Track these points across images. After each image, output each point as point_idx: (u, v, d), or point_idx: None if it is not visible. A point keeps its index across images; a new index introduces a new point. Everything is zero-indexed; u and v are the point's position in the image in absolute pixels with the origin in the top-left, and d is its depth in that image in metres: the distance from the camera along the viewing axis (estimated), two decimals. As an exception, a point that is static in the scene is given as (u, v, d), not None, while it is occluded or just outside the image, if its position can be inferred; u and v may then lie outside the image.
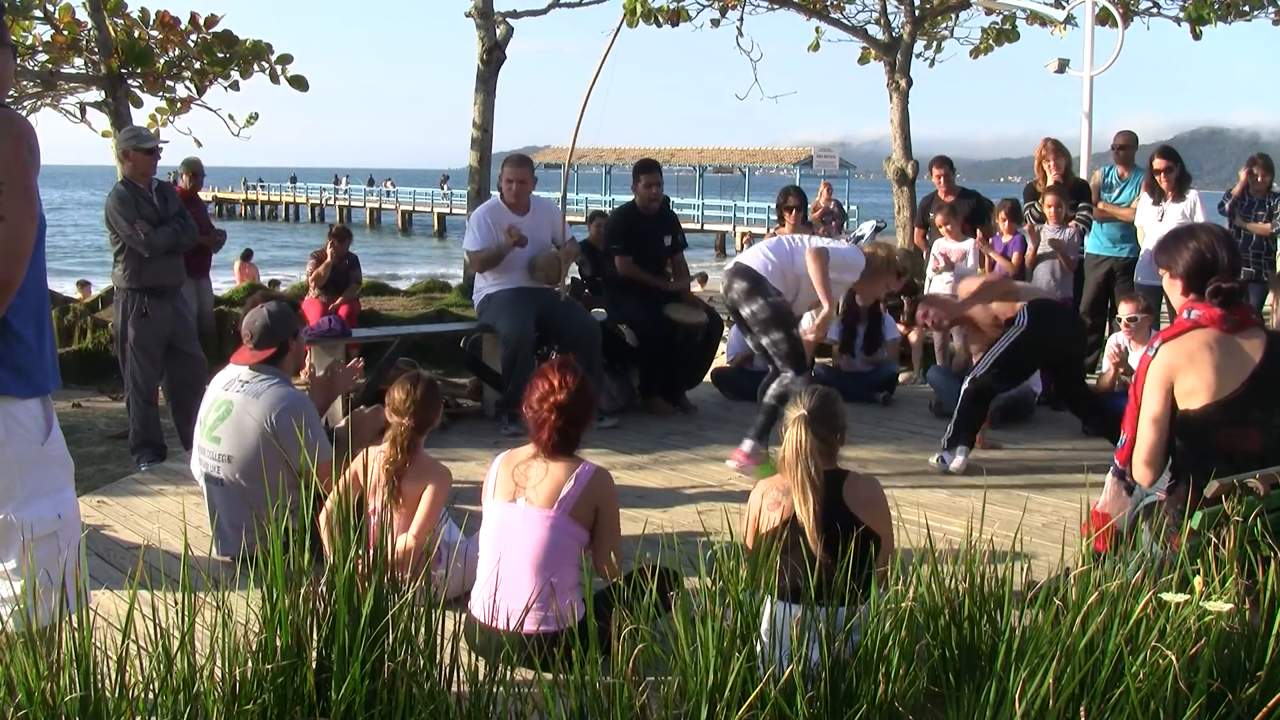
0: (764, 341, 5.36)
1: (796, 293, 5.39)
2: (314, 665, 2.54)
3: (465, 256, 6.92)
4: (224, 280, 17.20)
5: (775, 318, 5.28)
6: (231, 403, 4.19)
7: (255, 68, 10.77)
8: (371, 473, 3.67)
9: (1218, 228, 3.68)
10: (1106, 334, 7.90)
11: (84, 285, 16.04)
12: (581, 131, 6.53)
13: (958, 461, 5.59)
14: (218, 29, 10.57)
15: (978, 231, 7.98)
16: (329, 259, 9.66)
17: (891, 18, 14.54)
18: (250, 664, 2.49)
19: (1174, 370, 3.21)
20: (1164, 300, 7.49)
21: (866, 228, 17.90)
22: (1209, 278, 3.25)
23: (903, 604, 2.67)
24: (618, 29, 6.60)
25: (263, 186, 62.47)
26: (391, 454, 3.70)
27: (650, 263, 7.10)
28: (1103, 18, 11.90)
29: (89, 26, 10.22)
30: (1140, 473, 3.28)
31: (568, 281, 7.74)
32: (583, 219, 12.48)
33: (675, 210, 7.75)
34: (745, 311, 5.33)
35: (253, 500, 3.94)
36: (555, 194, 7.60)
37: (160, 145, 6.43)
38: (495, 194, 7.03)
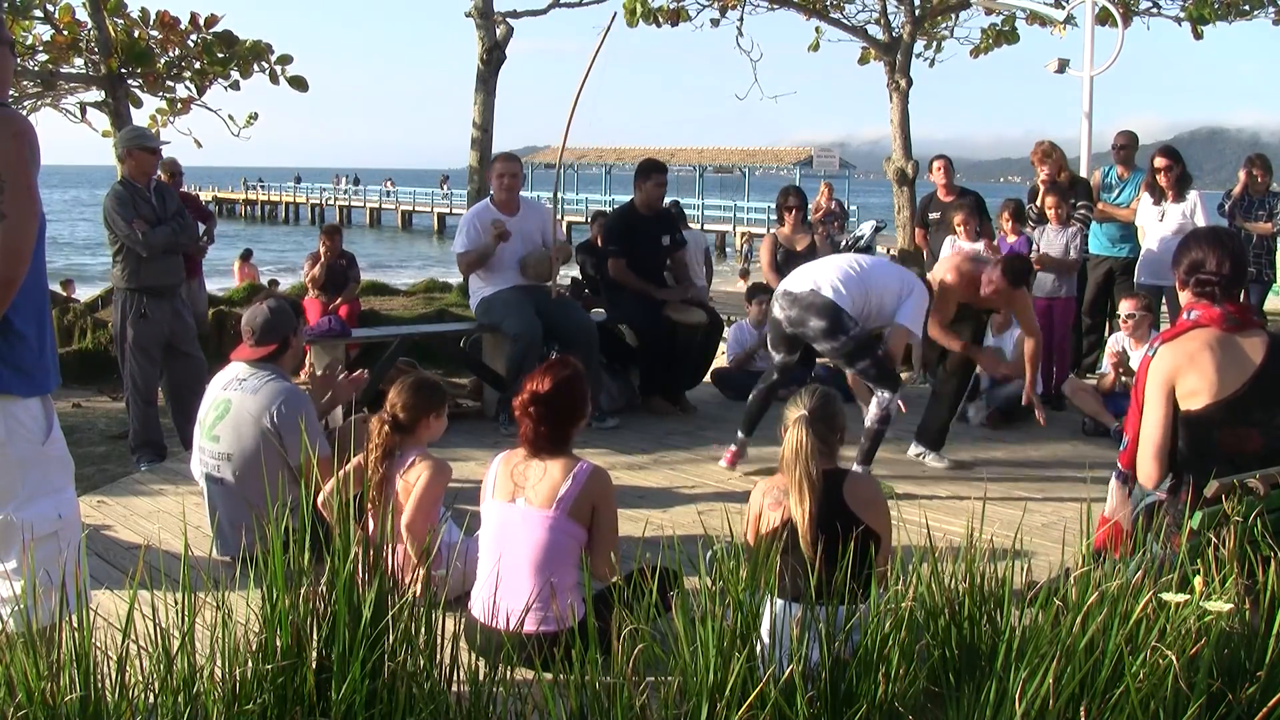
0: (853, 369, 5.26)
1: (867, 317, 5.24)
2: (314, 665, 2.53)
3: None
4: (220, 282, 17.22)
5: (858, 348, 5.14)
6: (230, 401, 4.19)
7: (255, 68, 10.77)
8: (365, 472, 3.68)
9: (1222, 231, 3.70)
10: (1106, 334, 7.90)
11: (68, 284, 15.92)
12: (574, 131, 6.57)
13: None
14: (218, 29, 10.57)
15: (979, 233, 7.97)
16: (323, 258, 9.66)
17: (891, 18, 14.54)
18: (250, 664, 2.49)
19: (1175, 370, 3.21)
20: (1164, 300, 7.50)
21: (866, 228, 17.88)
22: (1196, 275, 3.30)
23: (903, 604, 2.67)
24: (608, 28, 6.60)
25: (263, 186, 62.48)
26: (370, 452, 3.71)
27: (649, 263, 7.10)
28: (1103, 18, 11.90)
29: (89, 26, 10.21)
30: (1145, 473, 3.27)
31: (567, 281, 7.71)
32: (583, 219, 12.48)
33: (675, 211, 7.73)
34: (824, 347, 5.23)
35: (253, 499, 3.94)
36: (548, 194, 7.62)
37: (161, 145, 6.44)
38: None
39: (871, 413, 5.23)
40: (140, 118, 10.61)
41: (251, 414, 4.12)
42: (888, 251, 15.81)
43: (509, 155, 6.88)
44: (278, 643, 2.51)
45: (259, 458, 4.06)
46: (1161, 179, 7.48)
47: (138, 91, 10.56)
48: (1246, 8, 13.36)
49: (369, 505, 3.28)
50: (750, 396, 5.74)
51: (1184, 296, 3.39)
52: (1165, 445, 3.23)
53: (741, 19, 14.72)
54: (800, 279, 5.26)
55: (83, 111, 10.69)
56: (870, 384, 5.20)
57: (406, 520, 3.58)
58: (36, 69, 10.21)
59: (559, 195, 6.90)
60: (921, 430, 5.89)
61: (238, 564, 3.36)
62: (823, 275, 5.20)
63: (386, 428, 3.75)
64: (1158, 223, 7.47)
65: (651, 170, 7.08)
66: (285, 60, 10.93)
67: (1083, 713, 2.38)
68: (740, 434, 5.71)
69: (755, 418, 5.70)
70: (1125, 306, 6.52)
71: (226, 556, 4.13)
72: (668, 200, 7.66)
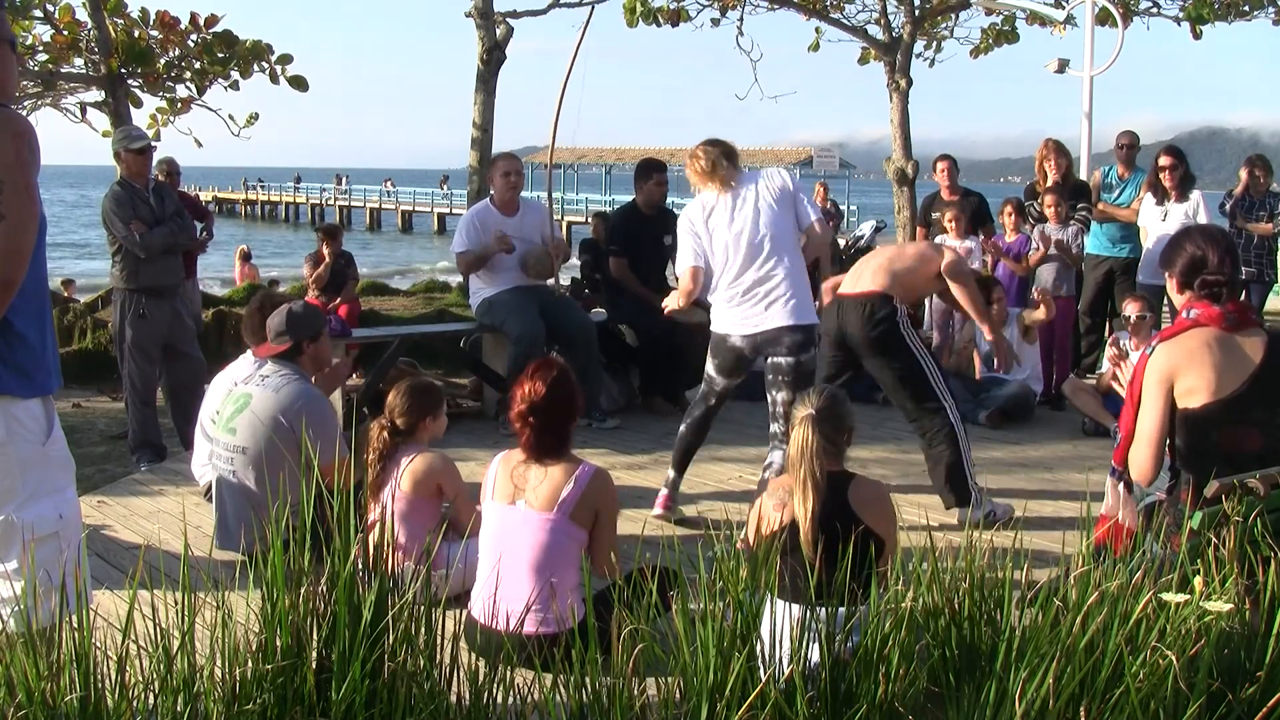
0: (783, 395, 4.55)
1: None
2: (314, 665, 2.53)
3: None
4: (214, 279, 17.21)
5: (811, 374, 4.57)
6: (250, 395, 4.18)
7: (255, 68, 10.77)
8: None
9: (1215, 229, 3.70)
10: (1106, 334, 7.90)
11: (68, 283, 15.92)
12: (562, 131, 6.61)
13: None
14: (218, 29, 10.57)
15: (979, 232, 7.99)
16: (326, 259, 9.66)
17: (891, 18, 14.54)
18: (250, 664, 2.49)
19: (1174, 369, 3.21)
20: (1165, 300, 7.51)
21: (866, 228, 17.87)
22: (1200, 275, 3.28)
23: (903, 604, 2.67)
24: (586, 24, 6.61)
25: (263, 186, 62.49)
26: (370, 455, 3.78)
27: (651, 263, 7.10)
28: (1103, 18, 11.90)
29: (89, 26, 10.21)
30: (1138, 468, 3.27)
31: (567, 281, 7.71)
32: (583, 219, 12.49)
33: (675, 210, 7.73)
34: (789, 360, 4.52)
35: (264, 495, 3.94)
36: (545, 194, 7.61)
37: (153, 145, 6.42)
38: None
39: (777, 466, 4.54)
40: (140, 118, 10.61)
41: (272, 412, 4.10)
42: (888, 251, 15.83)
43: (512, 155, 6.91)
44: (278, 643, 2.51)
45: (275, 455, 4.04)
46: (1165, 178, 7.49)
47: (138, 91, 10.56)
48: (1246, 8, 13.36)
49: (367, 507, 3.29)
50: (681, 430, 4.93)
51: (1180, 298, 3.37)
52: (1160, 442, 3.23)
53: (741, 19, 14.72)
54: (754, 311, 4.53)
55: (83, 111, 10.69)
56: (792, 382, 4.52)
57: (467, 521, 3.69)
58: (36, 69, 10.21)
59: (552, 194, 6.89)
60: None
61: (245, 560, 3.36)
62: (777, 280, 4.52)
63: (385, 433, 3.80)
64: (1160, 222, 7.47)
65: (652, 170, 7.09)
66: (285, 60, 10.93)
67: (1083, 713, 2.38)
68: (671, 474, 4.87)
69: (690, 453, 4.90)
70: (1130, 308, 6.51)
71: (229, 550, 4.12)
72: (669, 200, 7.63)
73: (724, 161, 4.62)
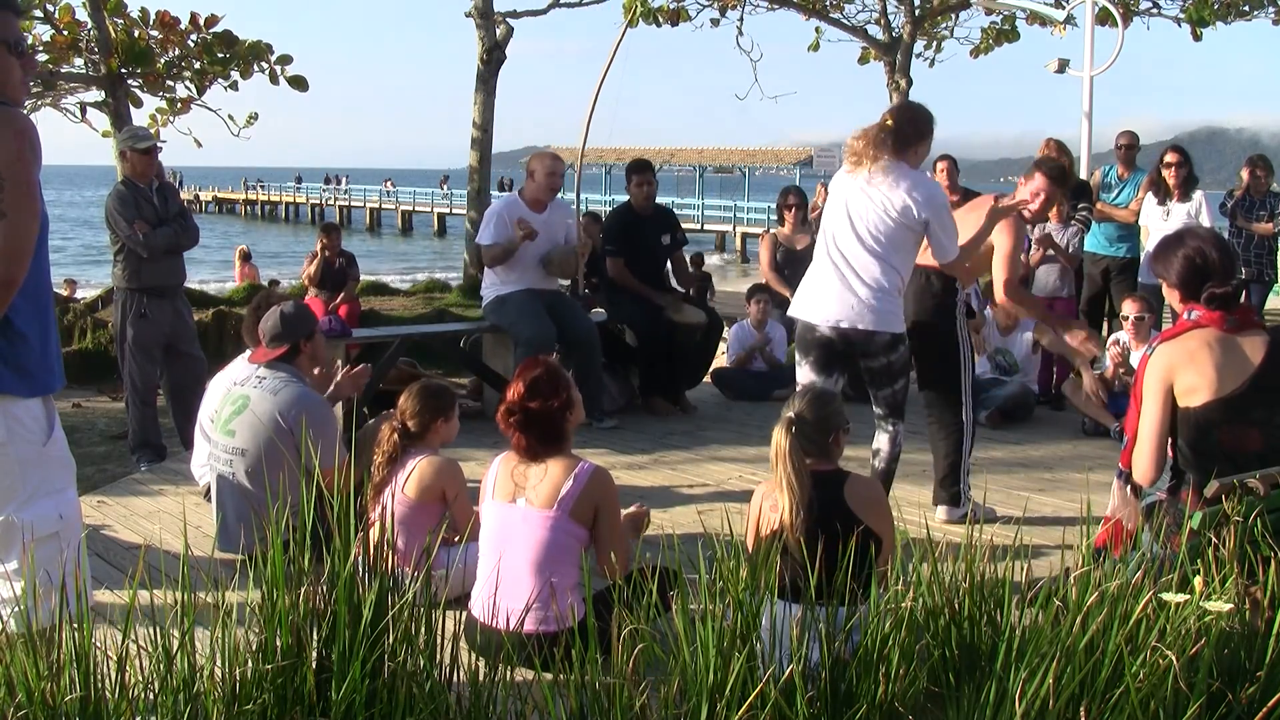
0: (883, 392, 4.45)
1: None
2: (314, 665, 2.53)
3: (466, 255, 6.96)
4: (215, 278, 17.20)
5: (905, 364, 4.45)
6: (248, 397, 4.17)
7: (255, 68, 10.80)
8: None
9: (1207, 231, 3.69)
10: (1105, 333, 7.91)
11: (70, 283, 15.94)
12: (593, 131, 6.60)
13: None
14: (218, 29, 10.59)
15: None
16: (319, 256, 9.67)
17: (891, 18, 14.56)
18: (250, 664, 2.49)
19: (1174, 369, 3.21)
20: (1164, 300, 7.51)
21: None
22: (1204, 283, 3.26)
23: (903, 604, 2.67)
24: (624, 31, 6.63)
25: (263, 187, 62.52)
26: (378, 456, 3.80)
27: (649, 263, 7.09)
28: (1103, 18, 11.91)
29: (89, 26, 10.23)
30: (1140, 470, 3.28)
31: (567, 281, 7.71)
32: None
33: (675, 210, 7.75)
34: (880, 362, 4.37)
35: (264, 496, 3.93)
36: (564, 195, 7.60)
37: (159, 145, 6.42)
38: (498, 193, 7.04)
39: (886, 453, 4.54)
40: (140, 118, 10.63)
41: (270, 414, 4.09)
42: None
43: (556, 155, 6.88)
44: (278, 643, 2.51)
45: (274, 456, 4.02)
46: (1170, 176, 7.50)
47: (138, 91, 10.58)
48: (1246, 8, 13.38)
49: (369, 507, 3.30)
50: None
51: (1174, 300, 3.36)
52: (1162, 443, 3.23)
53: (741, 19, 14.76)
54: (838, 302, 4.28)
55: (83, 111, 10.70)
56: (888, 409, 4.50)
57: (465, 532, 3.68)
58: (36, 69, 10.22)
59: (580, 195, 6.94)
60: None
61: (240, 562, 3.36)
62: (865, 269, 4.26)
63: (395, 435, 3.80)
64: (1162, 221, 7.48)
65: (633, 172, 7.10)
66: (285, 60, 10.95)
67: (1083, 713, 2.38)
68: None
69: None
70: (1130, 308, 6.51)
71: (229, 552, 4.12)
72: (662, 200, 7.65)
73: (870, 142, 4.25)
